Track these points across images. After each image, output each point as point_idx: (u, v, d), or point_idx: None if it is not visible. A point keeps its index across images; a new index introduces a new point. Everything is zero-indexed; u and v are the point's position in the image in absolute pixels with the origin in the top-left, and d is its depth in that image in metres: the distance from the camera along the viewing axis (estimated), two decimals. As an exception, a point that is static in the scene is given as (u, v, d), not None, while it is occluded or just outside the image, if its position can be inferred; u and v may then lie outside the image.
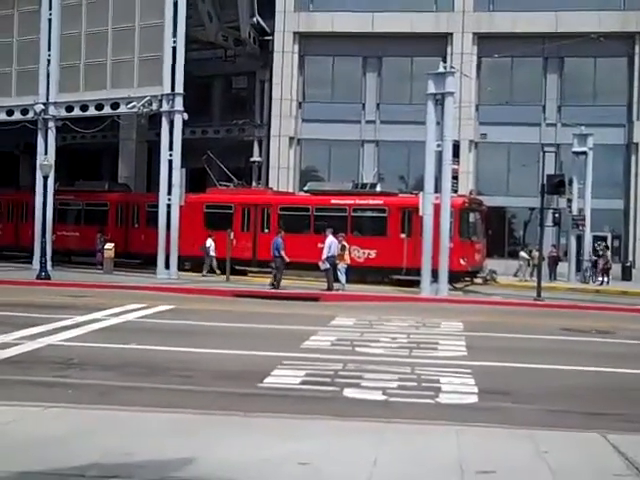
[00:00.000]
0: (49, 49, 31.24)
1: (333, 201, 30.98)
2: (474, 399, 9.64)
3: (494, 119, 38.42)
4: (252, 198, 33.02)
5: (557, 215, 31.79)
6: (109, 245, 31.30)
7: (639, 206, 37.83)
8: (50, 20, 31.25)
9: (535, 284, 25.72)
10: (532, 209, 32.46)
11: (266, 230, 31.54)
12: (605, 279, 33.69)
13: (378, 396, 9.64)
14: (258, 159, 42.08)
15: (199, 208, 32.54)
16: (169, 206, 28.85)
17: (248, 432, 7.34)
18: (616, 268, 35.48)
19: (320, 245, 26.13)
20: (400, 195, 31.88)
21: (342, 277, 25.77)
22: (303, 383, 10.35)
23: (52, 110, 31.15)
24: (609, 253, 35.66)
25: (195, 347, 13.11)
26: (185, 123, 29.52)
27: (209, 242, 30.92)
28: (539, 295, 24.79)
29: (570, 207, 35.80)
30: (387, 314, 19.38)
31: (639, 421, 8.81)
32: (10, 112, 32.45)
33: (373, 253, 29.69)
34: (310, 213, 31.29)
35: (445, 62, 28.82)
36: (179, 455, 6.41)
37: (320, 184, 35.19)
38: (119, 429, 7.37)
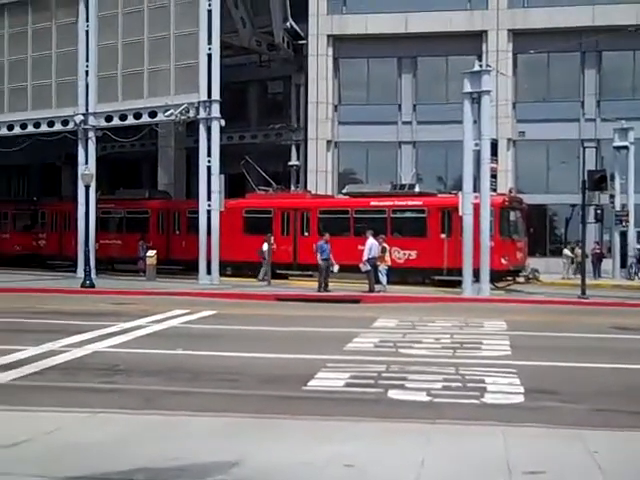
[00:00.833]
0: (87, 60, 31.70)
1: (372, 203, 30.94)
2: (520, 399, 9.52)
3: (532, 116, 37.99)
4: (291, 202, 33.09)
5: (599, 211, 31.34)
6: (151, 252, 31.64)
7: (683, 200, 37.16)
8: (87, 31, 31.74)
9: (579, 282, 25.41)
10: (573, 206, 32.02)
11: (306, 234, 31.63)
12: (651, 275, 33.20)
13: (423, 397, 9.57)
14: (296, 163, 42.07)
15: (239, 213, 32.69)
16: (209, 212, 28.97)
17: (292, 435, 7.37)
18: (662, 263, 34.88)
19: (360, 247, 26.15)
20: (439, 195, 31.79)
21: (383, 279, 25.78)
22: (347, 385, 10.34)
23: (92, 120, 31.62)
24: (654, 248, 35.14)
25: (239, 351, 13.16)
26: (222, 129, 29.62)
27: (265, 246, 29.47)
28: (583, 293, 24.43)
29: (613, 203, 35.30)
30: (429, 315, 19.30)
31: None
32: (51, 123, 33.02)
33: (413, 254, 29.57)
34: (350, 215, 31.27)
35: (480, 60, 28.67)
36: (224, 458, 6.43)
37: (358, 186, 35.19)
38: (165, 434, 7.45)
